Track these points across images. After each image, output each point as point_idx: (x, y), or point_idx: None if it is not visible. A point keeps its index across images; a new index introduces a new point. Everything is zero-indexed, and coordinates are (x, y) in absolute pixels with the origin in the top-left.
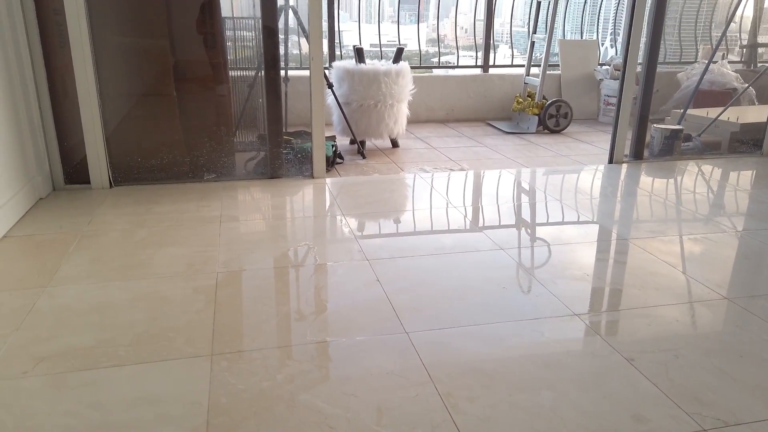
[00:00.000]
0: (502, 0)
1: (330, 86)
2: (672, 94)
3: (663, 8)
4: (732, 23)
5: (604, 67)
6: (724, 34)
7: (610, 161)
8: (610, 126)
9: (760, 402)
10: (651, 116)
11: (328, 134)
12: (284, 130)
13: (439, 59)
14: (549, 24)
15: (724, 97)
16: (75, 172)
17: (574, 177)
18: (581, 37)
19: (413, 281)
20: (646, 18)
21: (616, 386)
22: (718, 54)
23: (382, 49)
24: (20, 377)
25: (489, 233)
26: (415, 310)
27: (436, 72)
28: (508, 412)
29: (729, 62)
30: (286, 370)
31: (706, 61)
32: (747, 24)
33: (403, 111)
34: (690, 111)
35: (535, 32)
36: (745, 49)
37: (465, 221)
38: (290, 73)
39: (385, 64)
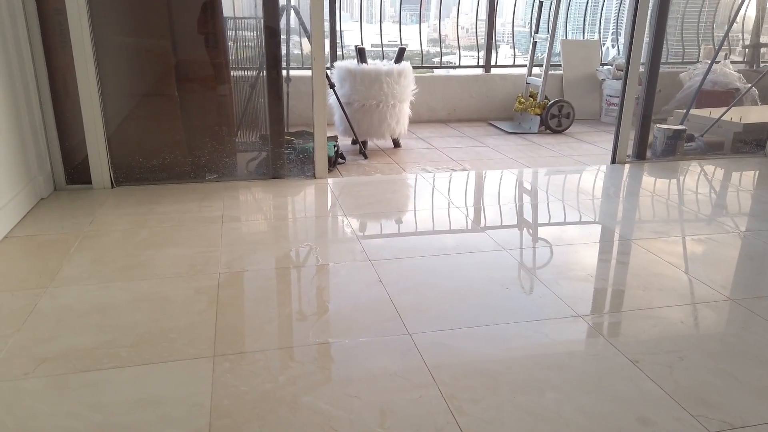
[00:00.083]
0: (503, 0)
1: (332, 86)
2: (674, 94)
3: (666, 8)
4: (734, 23)
5: (606, 67)
6: (726, 34)
7: (613, 161)
8: (612, 126)
9: (766, 404)
10: (654, 116)
11: (329, 134)
12: (286, 130)
13: (441, 59)
14: (551, 24)
15: (727, 97)
16: (76, 172)
17: (576, 177)
18: (583, 37)
19: (416, 282)
20: (648, 18)
21: (621, 388)
22: (721, 54)
23: (384, 49)
24: (21, 378)
25: (491, 233)
26: (417, 311)
27: (438, 72)
28: (511, 414)
29: (731, 62)
30: (289, 371)
31: (709, 61)
32: (750, 24)
33: (405, 111)
34: (693, 111)
35: (537, 32)
36: (747, 49)
37: (467, 221)
38: (292, 73)
39: (387, 64)
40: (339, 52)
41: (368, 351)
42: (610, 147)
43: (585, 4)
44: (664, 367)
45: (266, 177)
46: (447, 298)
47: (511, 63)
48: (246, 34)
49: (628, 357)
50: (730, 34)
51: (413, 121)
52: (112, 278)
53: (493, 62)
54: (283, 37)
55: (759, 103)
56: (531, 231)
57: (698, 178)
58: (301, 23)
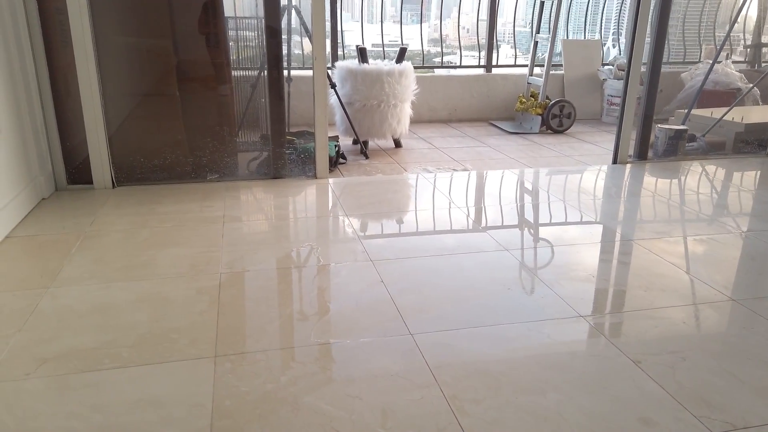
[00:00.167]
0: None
1: (333, 86)
2: (676, 94)
3: (667, 8)
4: (736, 23)
5: (607, 67)
6: (728, 34)
7: (614, 161)
8: (614, 126)
9: None
10: (655, 116)
11: (331, 134)
12: (287, 130)
13: (442, 59)
14: (552, 24)
15: (729, 97)
16: (77, 173)
17: (577, 177)
18: (584, 37)
19: (417, 282)
20: (650, 18)
21: (623, 388)
22: (722, 54)
23: (385, 48)
24: (23, 378)
25: (493, 234)
26: (419, 311)
27: (439, 72)
28: (513, 414)
29: (733, 62)
30: (290, 371)
31: (711, 61)
32: (751, 24)
33: (406, 111)
34: (694, 111)
35: (538, 32)
36: (749, 49)
37: (468, 222)
38: (293, 72)
39: (388, 64)
40: (340, 52)
41: (370, 351)
42: (612, 147)
43: (586, 4)
44: (665, 367)
45: (267, 177)
46: (448, 298)
47: (512, 63)
48: (247, 33)
49: (630, 357)
50: (731, 34)
51: (414, 121)
52: (113, 278)
53: (494, 62)
54: (284, 36)
55: (760, 103)
56: (532, 231)
57: (700, 179)
58: (302, 23)
